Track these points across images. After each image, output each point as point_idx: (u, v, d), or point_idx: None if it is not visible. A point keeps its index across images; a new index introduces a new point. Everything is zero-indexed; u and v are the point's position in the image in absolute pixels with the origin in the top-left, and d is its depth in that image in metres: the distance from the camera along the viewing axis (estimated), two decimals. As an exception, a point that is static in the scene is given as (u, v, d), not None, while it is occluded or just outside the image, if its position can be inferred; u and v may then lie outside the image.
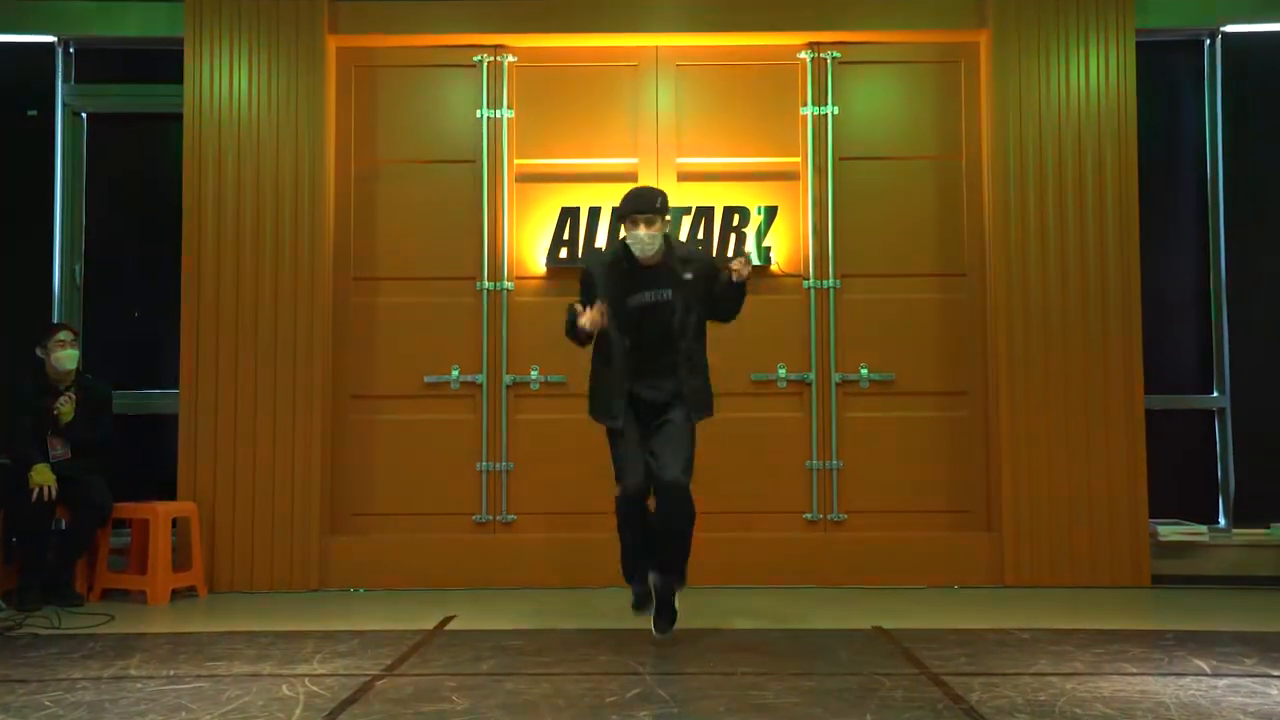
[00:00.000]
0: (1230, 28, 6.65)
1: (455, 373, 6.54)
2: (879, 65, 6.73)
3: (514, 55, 6.66)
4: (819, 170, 6.60)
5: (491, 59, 6.65)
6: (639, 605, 4.60)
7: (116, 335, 6.81)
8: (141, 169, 6.90)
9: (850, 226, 6.59)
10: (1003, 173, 6.35)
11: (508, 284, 6.64)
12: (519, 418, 6.59)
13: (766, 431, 6.52)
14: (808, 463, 6.51)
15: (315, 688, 3.78)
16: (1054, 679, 3.85)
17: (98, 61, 6.93)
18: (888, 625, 4.95)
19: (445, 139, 6.73)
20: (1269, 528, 6.40)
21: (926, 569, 6.33)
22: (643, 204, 4.42)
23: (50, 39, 6.80)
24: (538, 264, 6.64)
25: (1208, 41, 6.75)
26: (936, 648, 4.43)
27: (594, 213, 6.52)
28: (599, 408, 4.58)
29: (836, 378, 6.54)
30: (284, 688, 3.78)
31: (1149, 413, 6.27)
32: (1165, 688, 3.69)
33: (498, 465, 6.54)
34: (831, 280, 6.56)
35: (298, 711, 3.44)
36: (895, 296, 6.60)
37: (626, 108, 6.69)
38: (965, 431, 6.52)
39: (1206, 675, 3.90)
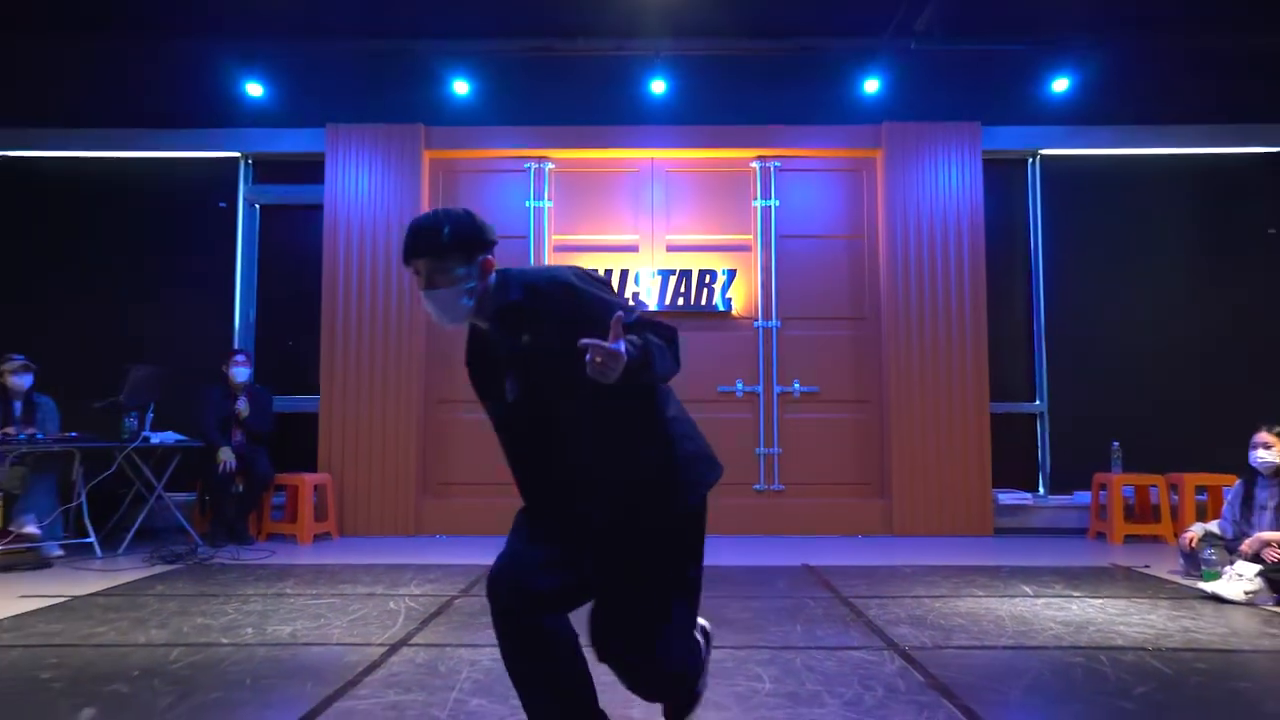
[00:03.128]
0: (1046, 151, 6.69)
1: (511, 384, 6.54)
2: (808, 172, 6.71)
3: (553, 164, 6.68)
4: (765, 245, 6.62)
5: (537, 166, 6.66)
6: None
7: (277, 357, 6.79)
8: (295, 243, 6.92)
9: (787, 284, 6.60)
10: (892, 248, 6.37)
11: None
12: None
13: (728, 427, 6.48)
14: (756, 449, 6.51)
15: (413, 604, 3.82)
16: (926, 600, 3.90)
17: (267, 169, 6.94)
18: (813, 563, 4.95)
19: (503, 221, 6.59)
20: (1072, 495, 6.48)
21: (840, 523, 6.34)
22: (415, 242, 1.79)
23: (235, 154, 6.84)
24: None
25: (1030, 160, 6.76)
26: (846, 579, 4.44)
27: (608, 273, 6.48)
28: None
29: (777, 389, 6.54)
30: (391, 603, 3.82)
31: (993, 415, 6.32)
32: (1001, 605, 3.77)
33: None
34: (775, 321, 6.59)
35: (400, 620, 3.48)
36: (819, 333, 6.59)
37: (630, 200, 6.68)
38: (867, 427, 6.51)
39: (1030, 596, 3.97)
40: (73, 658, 2.93)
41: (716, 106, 6.56)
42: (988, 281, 6.37)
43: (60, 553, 5.11)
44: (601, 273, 6.36)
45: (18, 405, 5.36)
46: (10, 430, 5.15)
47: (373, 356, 6.35)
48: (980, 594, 4.04)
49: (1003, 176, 6.75)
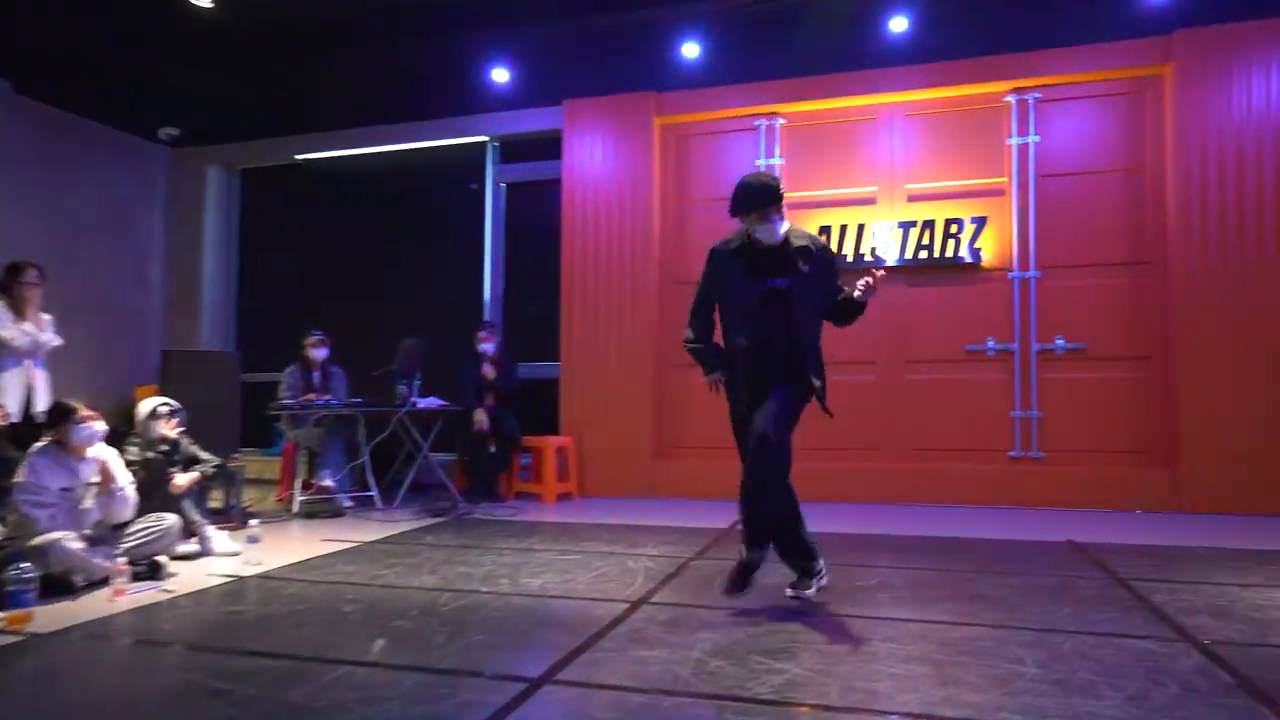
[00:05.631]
0: None
1: (743, 348, 6.44)
2: (1074, 100, 5.92)
3: (784, 119, 6.43)
4: (1022, 187, 5.94)
5: (767, 123, 6.44)
6: (731, 585, 3.07)
7: (522, 326, 7.16)
8: (537, 216, 7.16)
9: (1049, 229, 5.89)
10: (1184, 179, 5.49)
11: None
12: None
13: (976, 389, 5.96)
14: (1011, 413, 5.91)
15: (651, 564, 3.87)
16: (1231, 588, 3.36)
17: (512, 149, 7.30)
18: (1080, 539, 4.47)
19: (734, 181, 6.49)
20: None
21: (1112, 496, 5.62)
22: (753, 200, 3.06)
23: (484, 139, 7.27)
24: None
25: None
26: (1123, 558, 3.96)
27: (843, 228, 6.17)
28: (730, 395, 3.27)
29: (1036, 347, 5.89)
30: (630, 562, 3.90)
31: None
32: (1344, 601, 3.11)
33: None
34: (1033, 270, 5.90)
35: (640, 579, 3.53)
36: (1087, 283, 5.84)
37: (866, 150, 6.28)
38: (1147, 387, 5.70)
39: (1387, 592, 3.29)
40: (365, 594, 3.28)
41: (965, 37, 5.96)
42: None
43: (350, 503, 5.69)
44: (837, 229, 6.19)
45: (316, 375, 6.00)
46: (311, 397, 5.79)
47: (609, 321, 6.50)
48: (1311, 584, 3.39)
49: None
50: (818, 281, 3.10)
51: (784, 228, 3.13)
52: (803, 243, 3.13)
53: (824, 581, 3.25)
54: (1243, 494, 5.29)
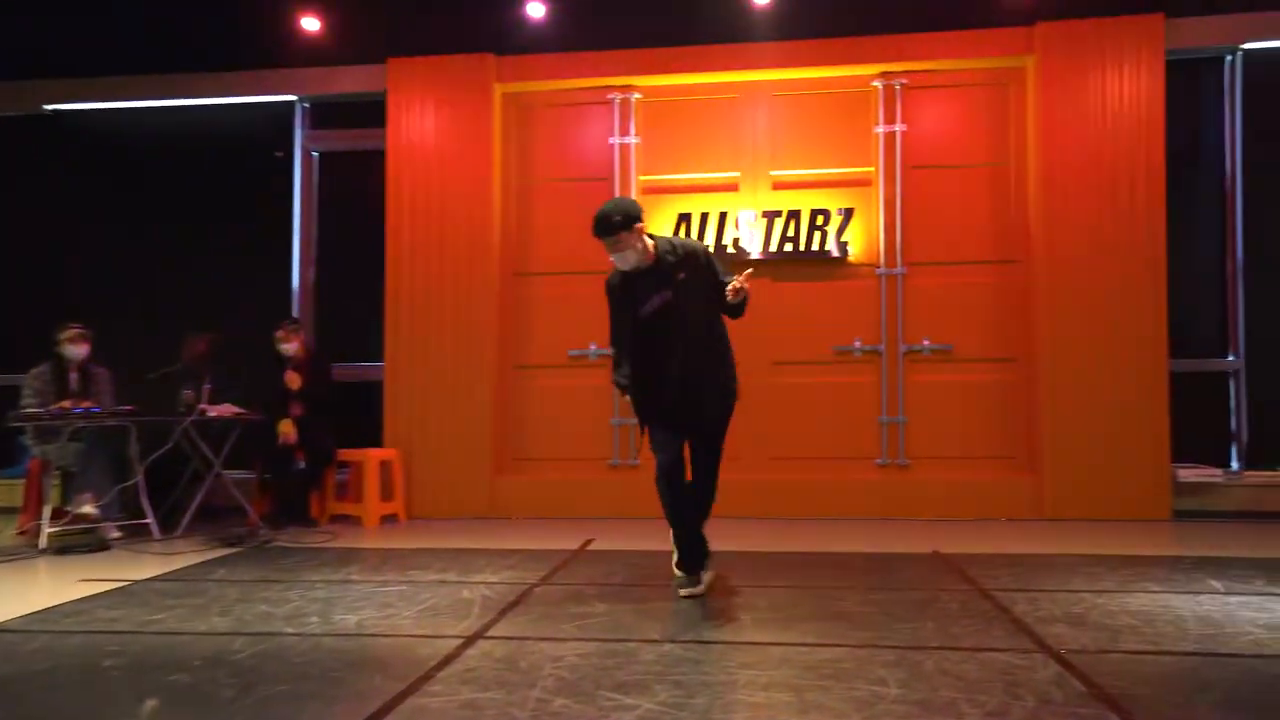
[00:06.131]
0: (1251, 45, 6.19)
1: (592, 347, 6.48)
2: (941, 88, 6.42)
3: (640, 93, 6.59)
4: (889, 178, 6.37)
5: (622, 97, 6.59)
6: (682, 584, 3.85)
7: (338, 321, 7.01)
8: (356, 194, 7.05)
9: (915, 223, 6.36)
10: (1046, 176, 6.05)
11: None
12: (645, 382, 6.60)
13: (844, 392, 6.37)
14: (879, 418, 6.34)
15: (488, 592, 3.87)
16: (1086, 595, 3.73)
17: (325, 113, 7.14)
18: (945, 550, 4.81)
19: (585, 161, 6.68)
20: (1276, 469, 6.08)
21: (978, 504, 6.13)
22: (601, 228, 3.57)
23: (291, 98, 7.05)
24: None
25: (1229, 59, 6.29)
26: (986, 568, 4.30)
27: (704, 216, 6.41)
28: (638, 410, 3.87)
29: (903, 348, 6.34)
30: (464, 592, 3.88)
31: (1174, 374, 5.94)
32: (1184, 603, 3.55)
33: (627, 420, 6.42)
34: (900, 267, 6.35)
35: (475, 610, 3.53)
36: (954, 281, 6.34)
37: (728, 131, 6.54)
38: (1012, 391, 6.26)
39: (1220, 594, 3.74)
40: (133, 645, 3.09)
41: (831, 14, 6.33)
42: (1168, 211, 5.95)
43: (118, 534, 5.41)
44: (698, 217, 6.47)
45: (74, 377, 5.70)
46: (67, 404, 5.47)
47: (442, 318, 6.44)
48: (1155, 589, 3.85)
49: (1190, 81, 6.29)
50: (700, 284, 3.66)
51: (641, 248, 3.63)
52: (673, 253, 3.70)
53: (687, 591, 3.77)
54: (1101, 499, 5.87)
